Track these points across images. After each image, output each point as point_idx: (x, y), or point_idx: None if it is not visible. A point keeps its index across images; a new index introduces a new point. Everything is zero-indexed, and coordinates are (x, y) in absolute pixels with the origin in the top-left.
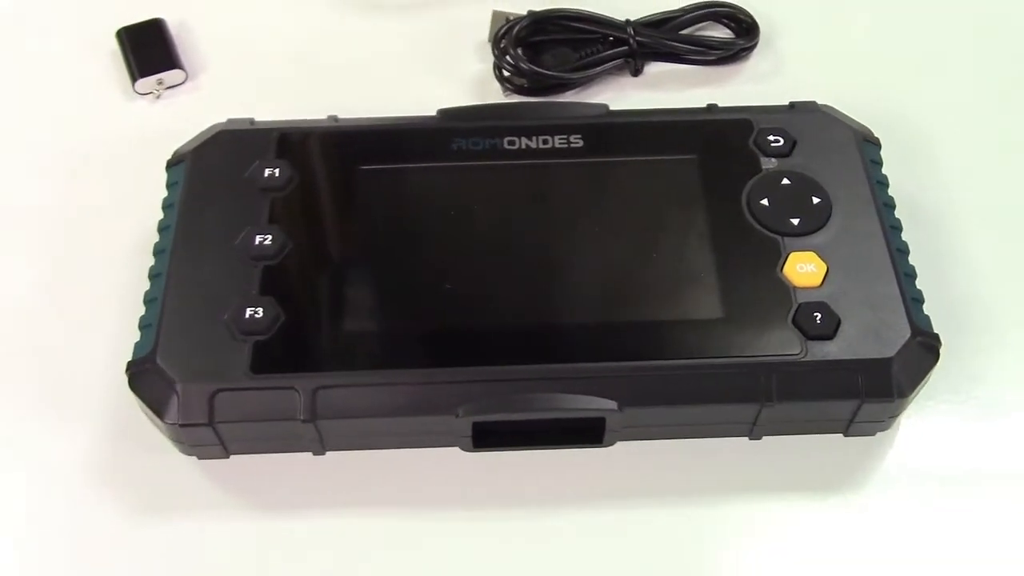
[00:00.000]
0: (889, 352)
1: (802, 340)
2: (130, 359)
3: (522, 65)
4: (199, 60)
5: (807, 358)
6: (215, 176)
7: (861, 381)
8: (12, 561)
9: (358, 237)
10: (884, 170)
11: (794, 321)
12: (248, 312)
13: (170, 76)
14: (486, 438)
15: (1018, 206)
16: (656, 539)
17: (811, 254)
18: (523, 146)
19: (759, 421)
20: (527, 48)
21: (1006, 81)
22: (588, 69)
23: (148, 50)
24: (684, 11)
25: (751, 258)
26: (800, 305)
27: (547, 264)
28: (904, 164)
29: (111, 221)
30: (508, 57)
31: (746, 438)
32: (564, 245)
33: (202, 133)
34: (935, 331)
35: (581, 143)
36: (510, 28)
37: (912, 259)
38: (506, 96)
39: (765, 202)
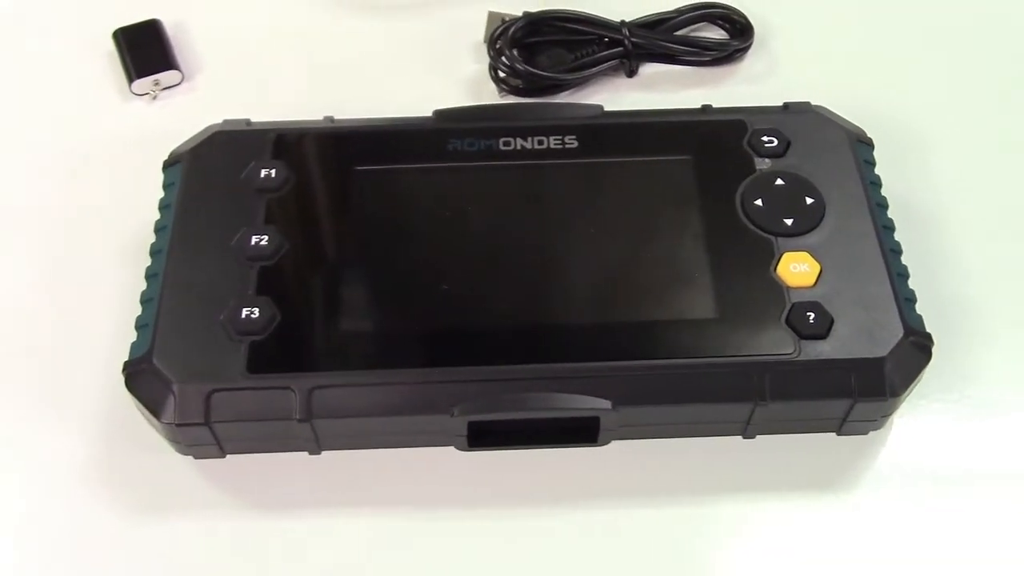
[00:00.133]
0: (882, 351)
1: (795, 340)
2: (126, 359)
3: (517, 66)
4: (195, 61)
5: (800, 357)
6: (211, 177)
7: (854, 380)
8: (8, 561)
9: (354, 237)
10: (877, 170)
11: (787, 321)
12: (244, 312)
13: (166, 77)
14: (481, 437)
15: (1011, 206)
16: (650, 538)
17: (804, 254)
18: (518, 147)
19: (753, 420)
20: (523, 49)
21: (999, 82)
22: (583, 70)
23: (144, 51)
24: (679, 12)
25: (745, 258)
26: (793, 305)
27: (542, 264)
28: (897, 165)
29: (107, 221)
30: (504, 58)
31: (740, 437)
32: (559, 245)
33: (198, 134)
34: (927, 330)
35: (576, 144)
36: (506, 29)
37: (905, 259)
38: (501, 97)
39: (759, 202)
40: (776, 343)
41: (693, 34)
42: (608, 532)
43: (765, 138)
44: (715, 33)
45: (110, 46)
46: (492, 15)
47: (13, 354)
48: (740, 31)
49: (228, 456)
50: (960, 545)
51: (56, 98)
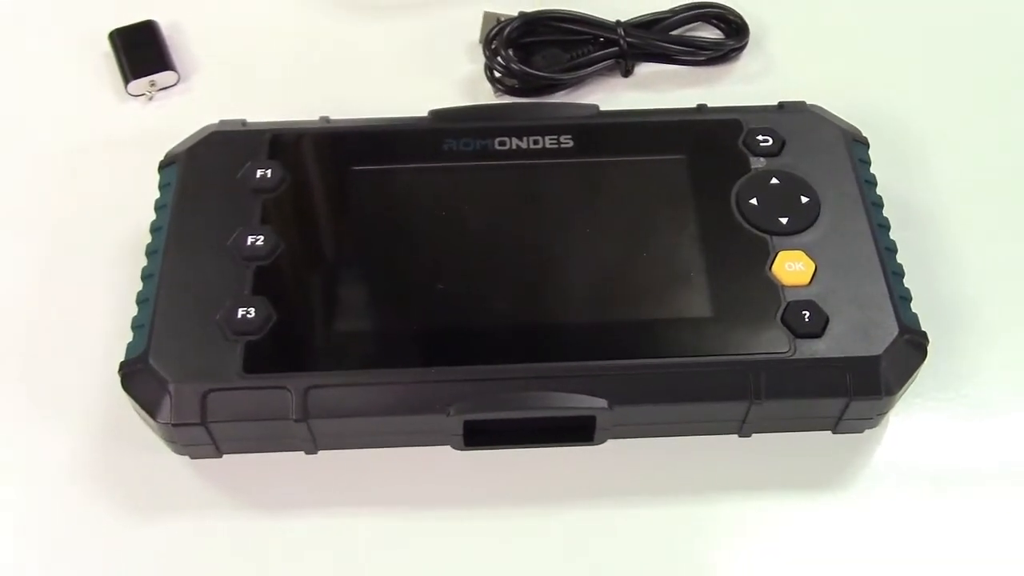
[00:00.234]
0: (877, 350)
1: (790, 338)
2: (122, 359)
3: (513, 66)
4: (191, 62)
5: (795, 356)
6: (207, 177)
7: (849, 379)
8: (4, 561)
9: (350, 237)
10: (872, 169)
11: (783, 319)
12: (240, 312)
13: (163, 78)
14: (477, 437)
15: (1006, 205)
16: (647, 536)
17: (799, 253)
18: (514, 146)
19: (748, 419)
20: (518, 49)
21: (994, 81)
22: (579, 70)
23: (141, 52)
24: (674, 12)
25: (740, 257)
26: (788, 303)
27: (538, 264)
28: (892, 163)
29: (103, 222)
30: (499, 58)
31: (736, 436)
32: (555, 245)
33: (194, 134)
34: (923, 329)
35: (571, 143)
36: (501, 29)
37: (900, 258)
38: (497, 97)
39: (754, 201)
40: (771, 342)
41: (688, 34)
42: (604, 531)
43: (760, 137)
44: (710, 33)
45: (106, 47)
46: (488, 15)
47: (9, 354)
48: (735, 31)
49: (224, 456)
50: (956, 544)
51: (52, 98)
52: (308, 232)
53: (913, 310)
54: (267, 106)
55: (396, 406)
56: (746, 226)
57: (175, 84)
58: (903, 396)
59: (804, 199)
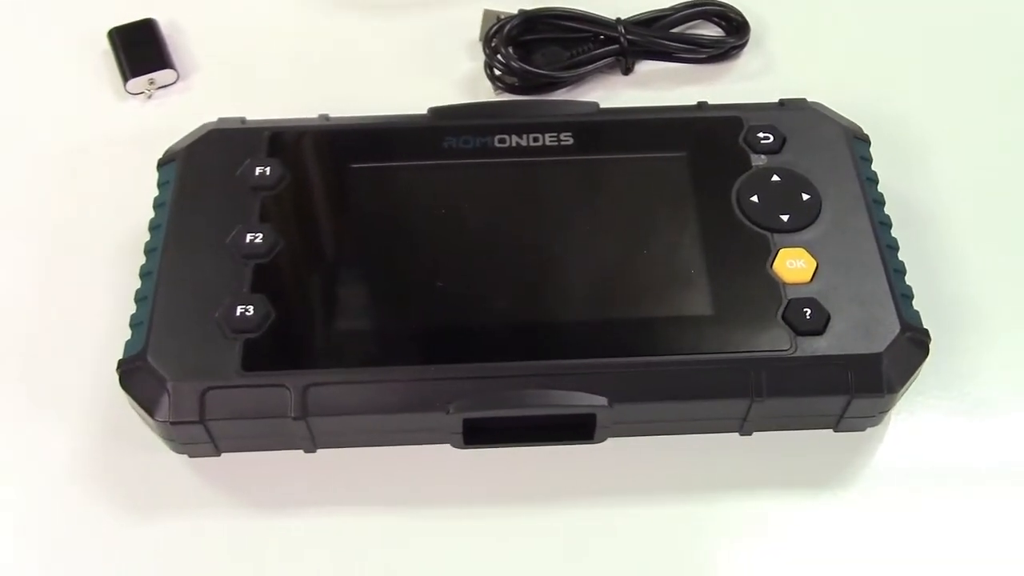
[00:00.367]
0: (878, 347)
1: (792, 336)
2: (121, 357)
3: (513, 64)
4: (190, 60)
5: (797, 354)
6: (206, 175)
7: (851, 376)
8: (3, 559)
9: (349, 235)
10: (873, 167)
11: (784, 317)
12: (239, 310)
13: (161, 76)
14: (477, 435)
15: (1008, 203)
16: (647, 535)
17: (801, 250)
18: (514, 144)
19: (749, 417)
20: (518, 47)
21: (996, 78)
22: (579, 67)
23: (140, 50)
24: (675, 9)
25: (741, 255)
26: (790, 301)
27: (538, 261)
28: (893, 161)
29: (102, 220)
30: (499, 56)
31: (736, 434)
32: (555, 242)
33: (193, 132)
34: (925, 327)
35: (572, 141)
36: (501, 27)
37: (902, 256)
38: (497, 94)
39: (755, 199)
40: (772, 339)
41: (689, 31)
42: (605, 530)
43: (761, 134)
44: (711, 30)
45: (105, 45)
46: (488, 13)
47: (7, 352)
48: (736, 28)
49: (223, 454)
50: (957, 543)
51: (51, 97)
52: (307, 230)
53: (915, 308)
54: (266, 104)
55: (395, 404)
56: (747, 223)
57: (174, 82)
58: (905, 394)
59: (805, 196)
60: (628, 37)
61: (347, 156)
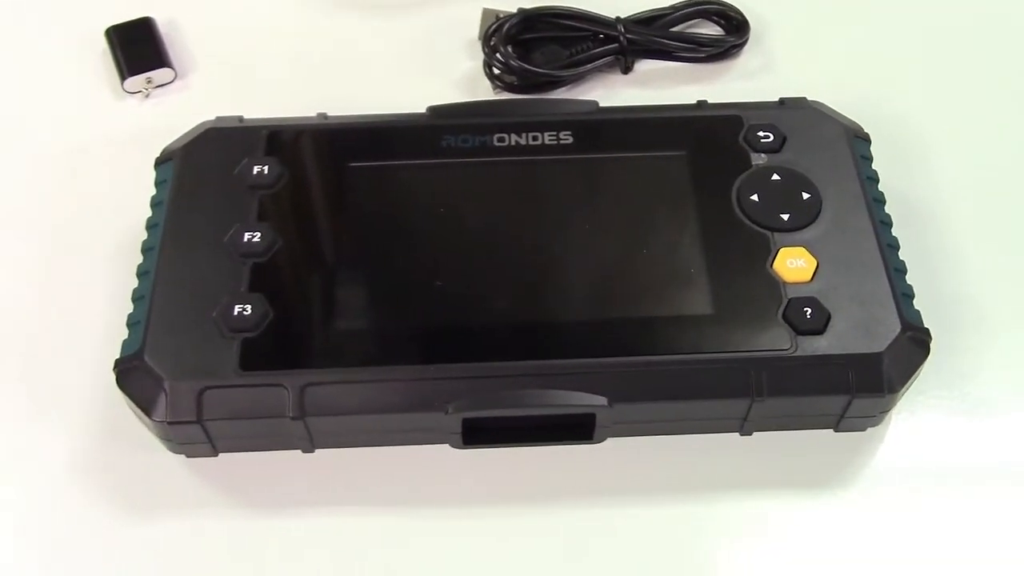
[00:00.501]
0: (879, 347)
1: (792, 335)
2: (118, 357)
3: (512, 62)
4: (188, 58)
5: (797, 353)
6: (204, 173)
7: (851, 376)
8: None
9: (347, 234)
10: (874, 166)
11: (784, 316)
12: (237, 309)
13: (159, 75)
14: (476, 435)
15: (1008, 202)
16: (646, 535)
17: (801, 249)
18: (513, 143)
19: (750, 417)
20: (517, 45)
21: (996, 77)
22: (578, 66)
23: (137, 48)
24: (674, 8)
25: (741, 254)
26: (790, 300)
27: (537, 261)
28: (894, 160)
29: (100, 219)
30: (498, 55)
31: (737, 434)
32: (554, 242)
33: (191, 131)
34: (926, 326)
35: (571, 140)
36: (500, 26)
37: (902, 255)
38: (496, 93)
39: (755, 198)
40: (773, 339)
41: (689, 30)
42: (604, 530)
43: (761, 133)
44: (711, 29)
45: (103, 44)
46: (487, 11)
47: (4, 352)
48: (736, 27)
49: (220, 455)
50: (958, 543)
51: (48, 96)
52: (305, 229)
53: (915, 307)
54: (264, 103)
55: (394, 404)
56: (747, 222)
57: (172, 81)
58: (905, 394)
59: (805, 195)
60: (627, 36)
61: (345, 155)
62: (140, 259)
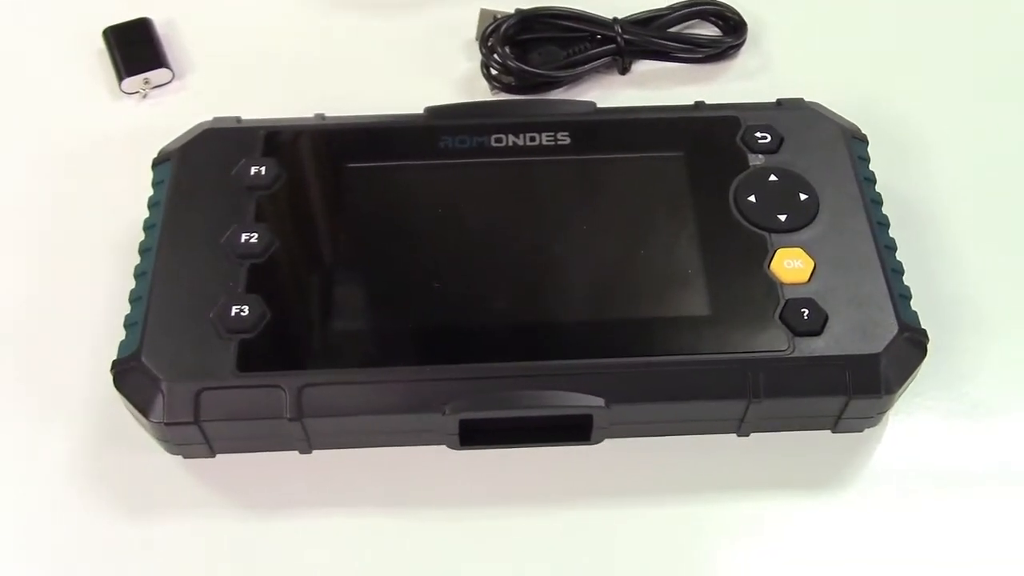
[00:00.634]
0: (877, 348)
1: (789, 336)
2: (115, 358)
3: (510, 63)
4: (186, 59)
5: (794, 354)
6: (201, 174)
7: (849, 377)
8: None
9: (345, 235)
10: (871, 166)
11: (781, 317)
12: (234, 310)
13: (157, 75)
14: (473, 436)
15: (1006, 203)
16: (644, 536)
17: (798, 250)
18: (510, 143)
19: (747, 418)
20: (515, 46)
21: (994, 78)
22: (576, 67)
23: (135, 49)
24: (672, 9)
25: (738, 254)
26: (787, 301)
27: (534, 261)
28: (892, 161)
29: (97, 219)
30: (496, 55)
31: (734, 435)
32: (551, 242)
33: (188, 131)
34: (923, 327)
35: (568, 140)
36: (498, 26)
37: (900, 255)
38: (494, 94)
39: (752, 198)
40: (770, 340)
41: (686, 31)
42: (601, 531)
43: (758, 134)
44: (708, 30)
45: (100, 44)
46: (484, 12)
47: (1, 353)
48: (733, 28)
49: (218, 456)
50: (955, 544)
51: (46, 96)
52: (303, 230)
53: (913, 308)
54: (262, 104)
55: (391, 405)
56: (744, 223)
57: (169, 82)
58: (903, 395)
59: (803, 196)
60: (625, 36)
61: (343, 155)
62: (137, 260)
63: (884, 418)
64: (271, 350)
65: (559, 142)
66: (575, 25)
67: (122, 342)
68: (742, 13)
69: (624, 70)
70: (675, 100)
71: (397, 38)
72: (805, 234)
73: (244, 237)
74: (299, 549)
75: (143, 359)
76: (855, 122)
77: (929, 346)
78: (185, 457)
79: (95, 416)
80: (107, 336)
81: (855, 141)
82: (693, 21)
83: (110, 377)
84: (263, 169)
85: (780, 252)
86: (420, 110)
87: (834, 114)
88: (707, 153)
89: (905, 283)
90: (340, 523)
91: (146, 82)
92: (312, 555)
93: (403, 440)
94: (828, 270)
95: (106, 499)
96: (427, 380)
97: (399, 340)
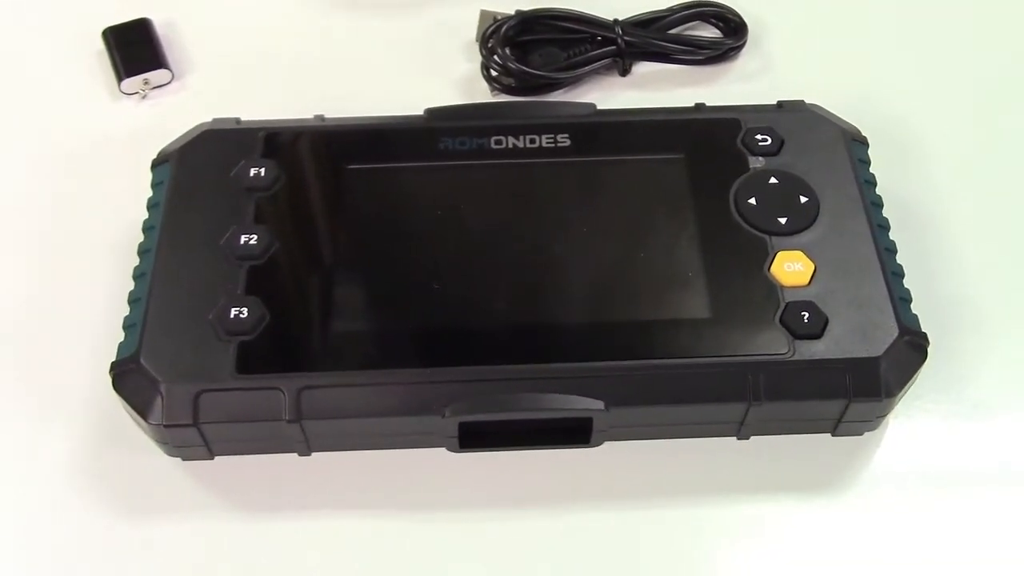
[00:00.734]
0: (877, 351)
1: (789, 339)
2: (114, 359)
3: (510, 65)
4: (186, 60)
5: (795, 357)
6: (200, 175)
7: (849, 380)
8: None
9: (344, 237)
10: (872, 169)
11: (781, 320)
12: (233, 312)
13: (156, 76)
14: (473, 438)
15: (1006, 205)
16: (643, 540)
17: (799, 253)
18: (510, 145)
19: (747, 421)
20: (515, 48)
21: (994, 80)
22: (576, 69)
23: (134, 50)
24: (672, 11)
25: (739, 257)
26: (788, 304)
27: (534, 264)
28: (892, 163)
29: (96, 221)
30: (496, 57)
31: (734, 438)
32: (551, 245)
33: (188, 132)
34: (923, 330)
35: (568, 142)
36: (498, 28)
37: (900, 259)
38: (494, 96)
39: (753, 201)
40: (770, 343)
41: (687, 33)
42: (600, 534)
43: (759, 136)
44: (709, 32)
45: (100, 45)
46: (484, 13)
47: (0, 354)
48: (734, 30)
49: (217, 458)
50: (955, 546)
51: (45, 97)
52: (302, 231)
53: (913, 311)
54: (262, 105)
55: (391, 407)
56: (745, 226)
57: (169, 82)
58: (903, 398)
59: (803, 199)
60: (625, 38)
61: (342, 157)
62: (136, 261)
63: (884, 421)
64: (270, 352)
65: (559, 144)
66: (575, 27)
67: (121, 344)
68: (743, 15)
69: (624, 72)
70: (675, 102)
71: (397, 39)
72: (805, 237)
73: (243, 239)
74: (298, 551)
75: (142, 361)
76: (855, 124)
77: (929, 349)
78: (184, 459)
79: (94, 417)
80: (106, 337)
81: (855, 143)
82: (694, 23)
83: (109, 379)
84: (262, 170)
85: (780, 255)
86: (420, 111)
87: (835, 116)
88: (707, 155)
89: (905, 286)
90: (339, 525)
91: (146, 83)
92: (311, 557)
93: (402, 442)
94: (828, 273)
95: (105, 500)
96: (427, 382)
97: (398, 342)
